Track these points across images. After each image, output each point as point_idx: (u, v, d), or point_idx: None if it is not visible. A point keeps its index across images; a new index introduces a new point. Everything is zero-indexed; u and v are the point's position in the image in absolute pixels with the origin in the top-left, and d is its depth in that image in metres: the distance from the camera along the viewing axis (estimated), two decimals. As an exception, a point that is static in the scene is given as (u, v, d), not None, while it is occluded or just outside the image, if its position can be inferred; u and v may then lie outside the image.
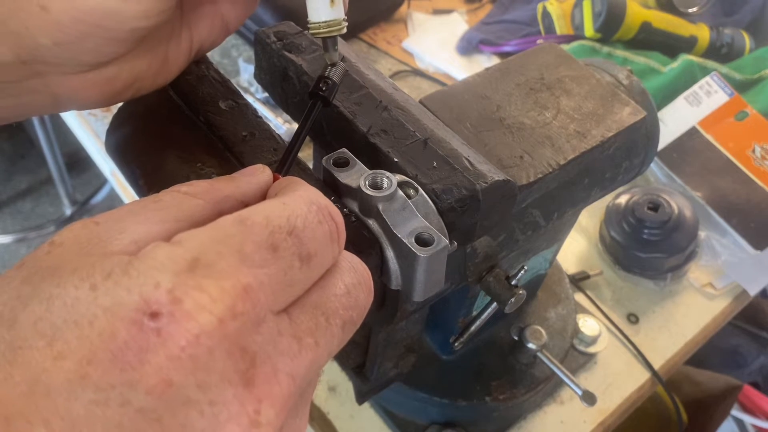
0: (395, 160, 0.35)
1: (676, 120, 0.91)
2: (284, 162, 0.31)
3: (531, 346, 0.62)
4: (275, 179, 0.29)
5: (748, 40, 1.06)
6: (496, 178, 0.35)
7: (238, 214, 0.23)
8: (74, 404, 0.18)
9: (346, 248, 0.31)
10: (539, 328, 0.63)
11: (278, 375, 0.21)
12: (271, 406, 0.21)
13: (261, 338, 0.21)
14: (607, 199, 0.83)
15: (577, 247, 0.85)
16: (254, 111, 0.37)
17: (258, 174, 0.28)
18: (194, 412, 0.19)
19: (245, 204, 0.26)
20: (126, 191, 0.96)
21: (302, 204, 0.24)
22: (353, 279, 0.26)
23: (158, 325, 0.19)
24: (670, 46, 1.04)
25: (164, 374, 0.19)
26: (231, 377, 0.20)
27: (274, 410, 0.21)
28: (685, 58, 0.99)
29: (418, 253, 0.30)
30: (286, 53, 0.40)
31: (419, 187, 0.33)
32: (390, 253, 0.32)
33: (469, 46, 1.09)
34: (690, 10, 1.08)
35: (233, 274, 0.21)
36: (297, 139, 0.32)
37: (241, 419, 0.20)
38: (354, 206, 0.33)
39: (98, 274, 0.20)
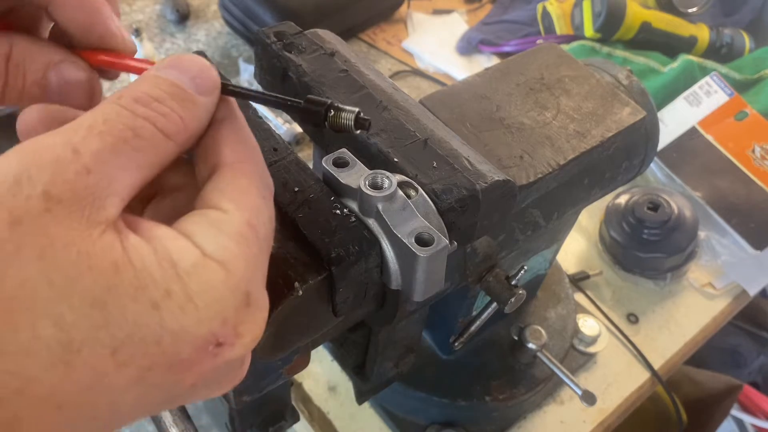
0: (395, 160, 0.35)
1: (676, 120, 0.91)
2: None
3: (531, 346, 0.62)
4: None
5: (748, 40, 1.06)
6: (496, 178, 0.35)
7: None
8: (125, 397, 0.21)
9: (346, 248, 0.31)
10: (539, 328, 0.63)
11: None
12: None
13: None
14: (607, 199, 0.83)
15: (577, 247, 0.85)
16: (254, 111, 0.37)
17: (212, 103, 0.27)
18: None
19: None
20: (126, 191, 0.96)
21: None
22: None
23: (219, 350, 0.23)
24: (670, 46, 1.04)
25: (201, 378, 0.23)
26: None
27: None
28: (684, 58, 0.99)
29: (418, 253, 0.30)
30: (286, 53, 0.40)
31: (419, 187, 0.33)
32: (390, 253, 0.32)
33: (469, 46, 1.09)
34: (690, 10, 1.08)
35: (265, 306, 0.25)
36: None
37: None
38: (354, 206, 0.33)
39: (154, 290, 0.21)
